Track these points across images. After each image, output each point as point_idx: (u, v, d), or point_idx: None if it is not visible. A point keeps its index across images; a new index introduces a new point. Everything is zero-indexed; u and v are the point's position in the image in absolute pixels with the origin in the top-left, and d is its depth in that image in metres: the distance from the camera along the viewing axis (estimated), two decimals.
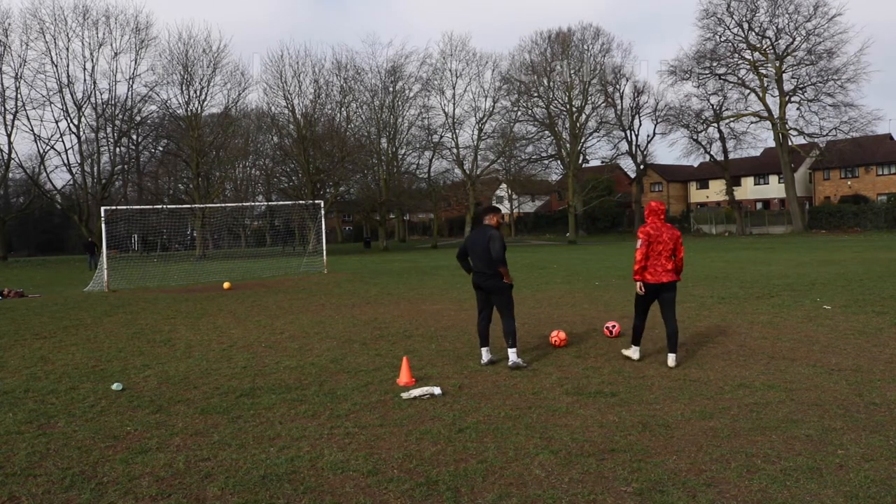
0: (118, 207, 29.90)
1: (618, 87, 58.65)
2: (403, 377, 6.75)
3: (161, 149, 56.08)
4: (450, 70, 55.44)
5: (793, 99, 51.71)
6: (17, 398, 6.60)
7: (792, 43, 50.70)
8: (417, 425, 5.33)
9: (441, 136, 56.40)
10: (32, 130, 52.15)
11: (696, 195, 70.55)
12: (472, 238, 7.49)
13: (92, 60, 48.11)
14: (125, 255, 42.59)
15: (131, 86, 50.33)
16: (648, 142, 75.43)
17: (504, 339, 7.40)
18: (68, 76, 48.55)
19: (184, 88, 46.93)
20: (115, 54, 48.80)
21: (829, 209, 53.70)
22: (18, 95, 47.46)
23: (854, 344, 7.96)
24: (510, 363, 7.18)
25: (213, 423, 5.59)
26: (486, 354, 7.51)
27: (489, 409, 5.74)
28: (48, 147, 50.21)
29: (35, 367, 8.13)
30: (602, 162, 64.38)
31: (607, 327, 9.06)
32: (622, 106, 59.67)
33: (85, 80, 49.42)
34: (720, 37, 52.66)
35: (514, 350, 7.23)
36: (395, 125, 54.44)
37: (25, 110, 48.00)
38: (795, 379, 6.40)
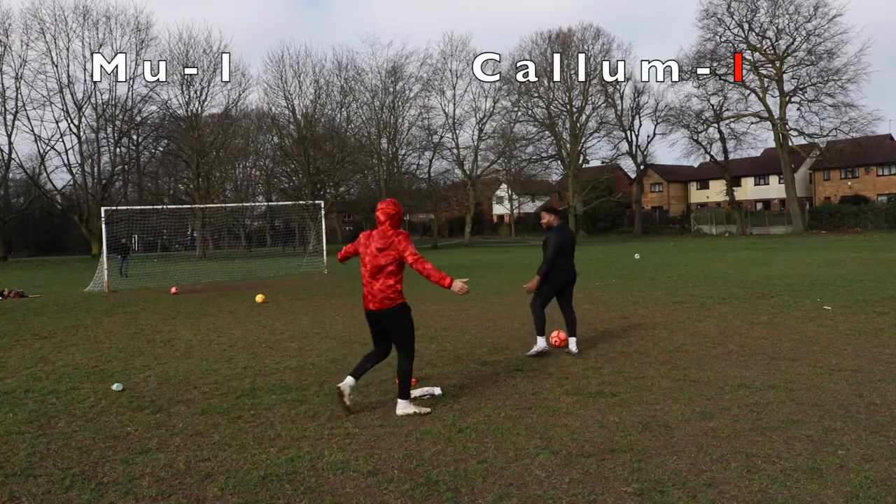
0: (118, 208, 29.90)
1: (618, 87, 58.70)
2: None
3: (161, 149, 56.20)
4: (450, 70, 55.57)
5: (793, 99, 51.73)
6: (17, 398, 6.60)
7: (792, 43, 50.77)
8: (417, 425, 5.33)
9: (441, 137, 56.49)
10: (32, 131, 52.54)
11: (697, 195, 70.62)
12: (567, 239, 7.85)
13: (92, 61, 48.18)
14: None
15: (131, 86, 50.43)
16: (648, 142, 75.31)
17: (571, 329, 7.93)
18: (68, 76, 48.71)
19: (184, 89, 47.00)
20: (115, 54, 48.86)
21: (830, 209, 53.71)
22: (19, 95, 47.63)
23: (854, 344, 7.96)
24: (577, 350, 7.83)
25: (213, 423, 5.59)
26: (545, 342, 7.92)
27: (489, 409, 5.74)
28: (48, 147, 50.39)
29: (35, 368, 8.13)
30: (602, 162, 64.42)
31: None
32: (622, 106, 59.72)
33: (85, 80, 49.43)
34: (720, 37, 52.73)
35: (575, 339, 7.90)
36: (395, 125, 54.45)
37: (26, 110, 48.24)
38: (796, 379, 6.40)
